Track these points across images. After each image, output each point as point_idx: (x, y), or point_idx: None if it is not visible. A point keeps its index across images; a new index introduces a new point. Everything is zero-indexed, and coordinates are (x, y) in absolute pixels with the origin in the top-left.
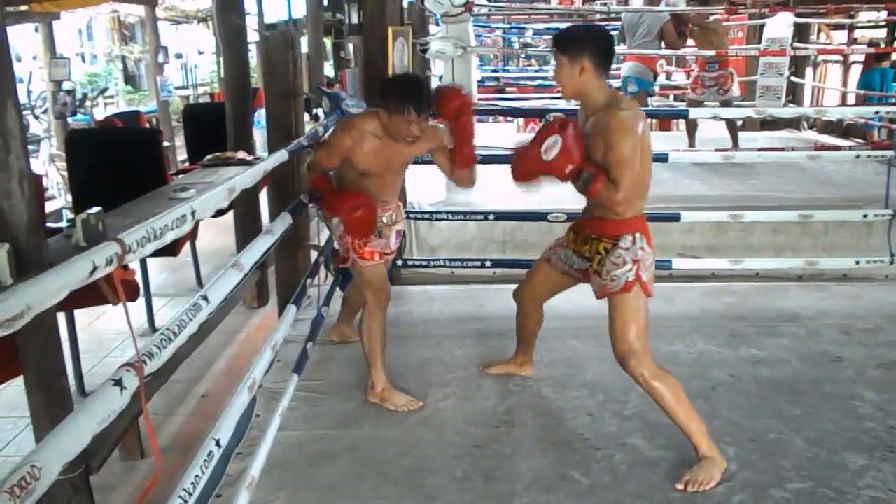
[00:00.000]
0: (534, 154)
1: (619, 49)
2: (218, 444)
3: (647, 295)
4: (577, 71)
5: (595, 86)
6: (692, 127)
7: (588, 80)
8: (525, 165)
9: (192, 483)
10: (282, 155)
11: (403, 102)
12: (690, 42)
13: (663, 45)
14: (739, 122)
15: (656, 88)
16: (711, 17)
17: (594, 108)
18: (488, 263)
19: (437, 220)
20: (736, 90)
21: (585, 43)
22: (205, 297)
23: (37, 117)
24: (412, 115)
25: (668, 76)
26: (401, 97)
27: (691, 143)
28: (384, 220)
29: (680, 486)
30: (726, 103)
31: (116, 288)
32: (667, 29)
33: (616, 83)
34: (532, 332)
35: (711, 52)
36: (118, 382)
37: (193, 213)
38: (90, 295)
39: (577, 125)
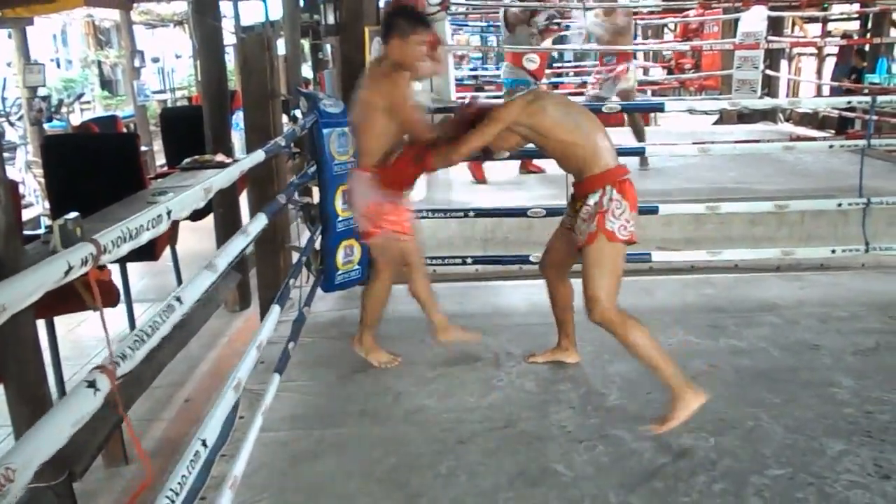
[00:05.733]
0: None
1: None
2: (204, 444)
3: (615, 242)
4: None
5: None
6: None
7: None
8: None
9: (179, 483)
10: (258, 155)
11: (416, 22)
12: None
13: (539, 38)
14: (715, 116)
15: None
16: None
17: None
18: (469, 260)
19: (417, 218)
20: (627, 82)
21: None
22: (178, 298)
23: (12, 124)
24: (424, 34)
25: (646, 72)
26: (412, 18)
27: (640, 139)
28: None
29: (652, 429)
30: (624, 93)
31: (92, 288)
32: (508, 13)
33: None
34: (564, 307)
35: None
36: (91, 384)
37: (169, 212)
38: (70, 301)
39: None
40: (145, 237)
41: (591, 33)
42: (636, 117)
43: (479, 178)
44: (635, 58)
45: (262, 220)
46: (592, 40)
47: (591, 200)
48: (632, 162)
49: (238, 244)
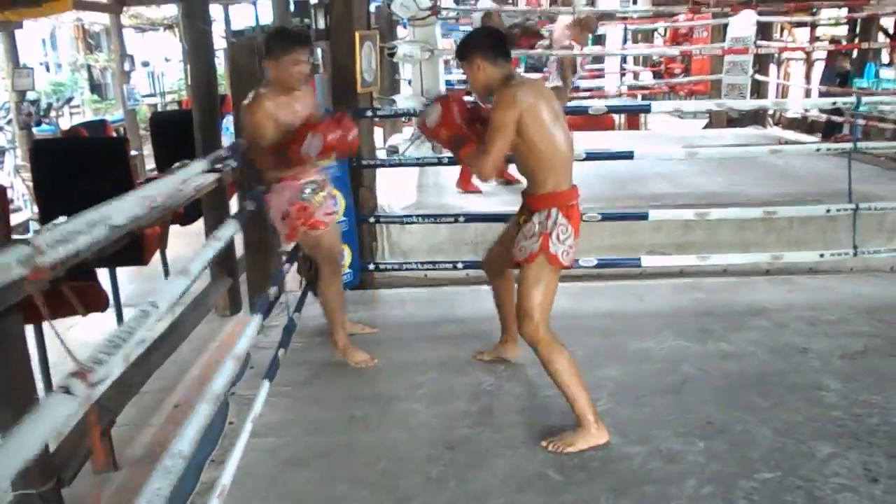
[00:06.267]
0: (421, 122)
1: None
2: (180, 455)
3: (555, 266)
4: (476, 70)
5: (497, 74)
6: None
7: (490, 73)
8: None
9: (155, 494)
10: (200, 164)
11: (287, 44)
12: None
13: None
14: (705, 120)
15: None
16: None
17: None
18: (460, 265)
19: (408, 223)
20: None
21: (470, 44)
22: (153, 304)
23: (0, 128)
24: (298, 53)
25: (636, 76)
26: (283, 41)
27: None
28: (310, 189)
29: (544, 444)
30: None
31: (69, 297)
32: (487, 23)
33: None
34: (506, 305)
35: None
36: (67, 390)
37: (107, 218)
38: (58, 307)
39: (462, 99)
40: (83, 240)
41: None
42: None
43: (469, 189)
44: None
45: (232, 227)
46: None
47: (536, 220)
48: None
49: (210, 250)
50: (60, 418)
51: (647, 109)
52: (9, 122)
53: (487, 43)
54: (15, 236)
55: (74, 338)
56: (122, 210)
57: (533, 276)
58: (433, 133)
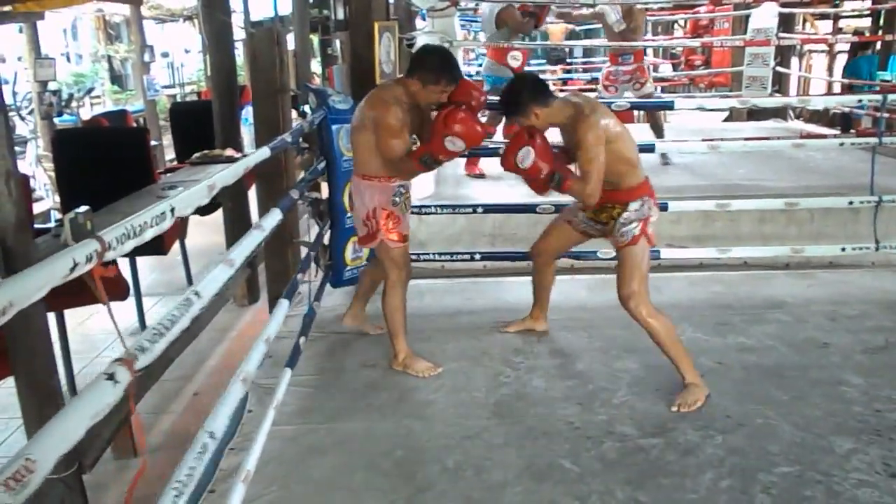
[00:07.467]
0: (510, 163)
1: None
2: (212, 435)
3: (651, 245)
4: (534, 119)
5: (553, 112)
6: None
7: (546, 115)
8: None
9: (187, 475)
10: (263, 152)
11: (442, 74)
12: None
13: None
14: (725, 113)
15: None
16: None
17: (562, 125)
18: (478, 256)
19: (425, 213)
20: (650, 85)
21: (522, 99)
22: (196, 293)
23: (22, 118)
24: (446, 86)
25: (655, 68)
26: (440, 68)
27: (660, 136)
28: (401, 194)
29: (674, 409)
30: (646, 98)
31: (98, 285)
32: (506, 15)
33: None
34: (547, 286)
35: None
36: (111, 377)
37: (173, 209)
38: (80, 295)
39: (542, 133)
40: (149, 234)
41: (603, 14)
42: (657, 115)
43: (475, 173)
44: (645, 54)
45: (276, 216)
46: (602, 35)
47: (634, 207)
48: (652, 158)
49: (254, 239)
50: (104, 405)
51: (669, 107)
52: (31, 113)
53: (535, 91)
54: (38, 225)
55: (94, 326)
56: (188, 199)
57: (637, 257)
58: (527, 173)
